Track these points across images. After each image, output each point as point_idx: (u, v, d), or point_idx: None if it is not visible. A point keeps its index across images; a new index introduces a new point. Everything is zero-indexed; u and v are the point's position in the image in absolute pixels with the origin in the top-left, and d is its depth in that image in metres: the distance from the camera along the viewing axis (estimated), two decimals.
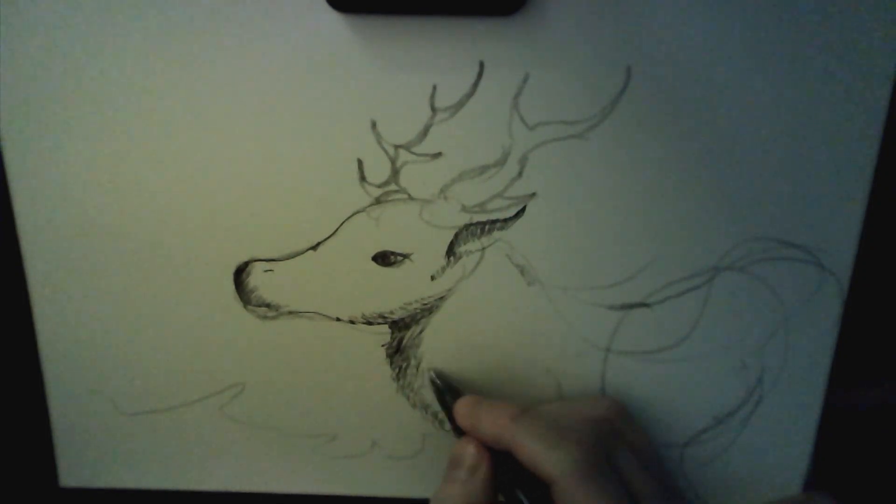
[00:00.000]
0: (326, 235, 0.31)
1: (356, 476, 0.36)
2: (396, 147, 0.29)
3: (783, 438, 0.35)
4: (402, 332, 0.33)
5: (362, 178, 0.30)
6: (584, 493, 0.26)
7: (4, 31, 0.28)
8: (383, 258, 0.31)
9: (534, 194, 0.30)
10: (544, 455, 0.27)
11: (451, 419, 0.31)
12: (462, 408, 0.30)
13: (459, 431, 0.31)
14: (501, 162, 0.30)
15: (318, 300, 0.32)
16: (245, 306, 0.32)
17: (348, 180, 0.30)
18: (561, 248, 0.31)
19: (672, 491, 0.30)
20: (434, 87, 0.29)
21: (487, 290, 0.32)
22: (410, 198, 0.30)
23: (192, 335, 0.33)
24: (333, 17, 0.28)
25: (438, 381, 0.32)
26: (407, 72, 0.28)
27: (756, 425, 0.34)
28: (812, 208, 0.31)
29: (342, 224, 0.31)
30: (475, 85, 0.29)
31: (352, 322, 0.33)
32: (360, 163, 0.30)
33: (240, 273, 0.32)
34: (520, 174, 0.30)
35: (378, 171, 0.30)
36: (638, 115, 0.29)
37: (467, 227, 0.31)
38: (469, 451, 0.29)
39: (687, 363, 0.33)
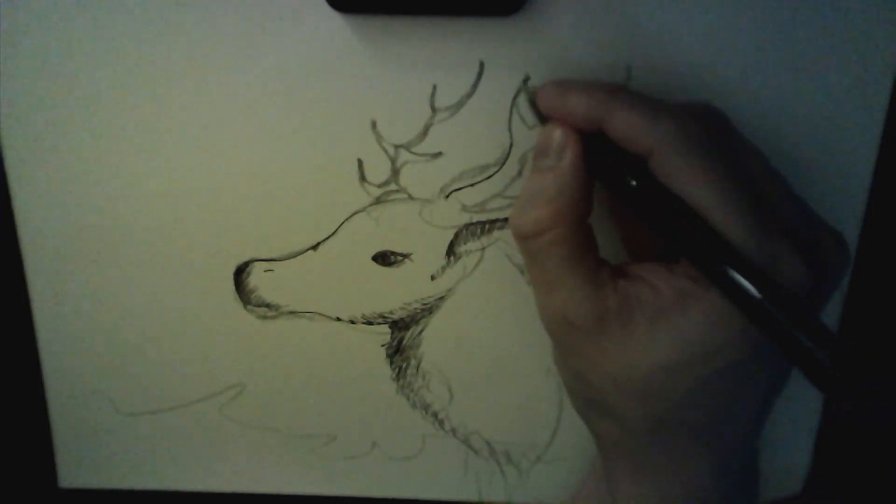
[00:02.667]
0: (326, 235, 0.31)
1: (356, 476, 0.36)
2: (396, 147, 0.29)
3: (783, 438, 0.35)
4: (402, 332, 0.33)
5: (362, 178, 0.30)
6: (689, 162, 0.22)
7: (4, 31, 0.28)
8: (383, 258, 0.31)
9: None
10: (644, 122, 0.23)
11: (538, 113, 0.27)
12: (548, 88, 0.26)
13: (543, 120, 0.27)
14: (501, 162, 0.30)
15: (318, 300, 0.32)
16: (245, 306, 0.32)
17: (348, 180, 0.30)
18: None
19: (792, 189, 0.25)
20: (434, 87, 0.29)
21: (487, 290, 0.32)
22: (410, 198, 0.30)
23: (192, 335, 0.33)
24: (333, 17, 0.28)
25: (530, 94, 0.28)
26: (407, 72, 0.28)
27: None
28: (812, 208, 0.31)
29: (342, 224, 0.31)
30: (475, 85, 0.29)
31: (352, 322, 0.33)
32: (360, 163, 0.30)
33: (240, 273, 0.32)
34: (520, 174, 0.30)
35: (378, 170, 0.30)
36: None
37: (467, 226, 0.31)
38: (555, 134, 0.25)
39: None
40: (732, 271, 0.22)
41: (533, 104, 0.27)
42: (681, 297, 0.23)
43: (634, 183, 0.24)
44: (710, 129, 0.24)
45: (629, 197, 0.24)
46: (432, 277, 0.32)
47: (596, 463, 0.29)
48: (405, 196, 0.30)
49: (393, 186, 0.30)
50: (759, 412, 0.26)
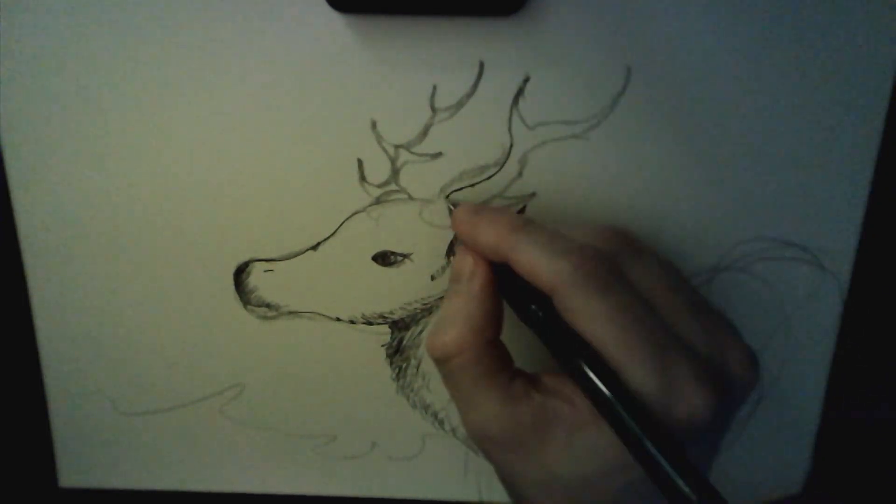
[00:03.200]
0: (326, 235, 0.31)
1: (356, 476, 0.36)
2: (396, 147, 0.29)
3: (783, 438, 0.35)
4: (402, 332, 0.33)
5: (362, 178, 0.30)
6: (586, 304, 0.23)
7: (4, 32, 0.28)
8: (383, 258, 0.31)
9: (533, 194, 0.30)
10: (542, 263, 0.24)
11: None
12: (461, 214, 0.27)
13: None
14: (501, 162, 0.30)
15: (318, 300, 0.32)
16: (245, 306, 0.32)
17: (348, 180, 0.30)
18: None
19: (706, 306, 0.26)
20: (434, 87, 0.29)
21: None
22: (410, 198, 0.30)
23: (192, 335, 0.33)
24: (333, 17, 0.28)
25: (451, 206, 0.30)
26: (407, 72, 0.28)
27: (756, 425, 0.34)
28: (812, 208, 0.31)
29: (342, 224, 0.31)
30: (475, 85, 0.29)
31: (352, 322, 0.33)
32: (360, 163, 0.30)
33: (240, 273, 0.32)
34: (520, 174, 0.30)
35: (378, 171, 0.30)
36: (638, 115, 0.29)
37: None
38: (467, 260, 0.27)
39: None
40: (619, 415, 0.22)
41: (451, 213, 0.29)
42: (595, 414, 0.24)
43: (541, 314, 0.25)
44: (608, 265, 0.24)
45: (535, 326, 0.25)
46: (432, 277, 0.32)
47: None
48: (405, 196, 0.30)
49: (393, 186, 0.30)
50: None
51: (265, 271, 0.32)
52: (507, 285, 0.26)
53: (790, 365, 0.33)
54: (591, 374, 0.23)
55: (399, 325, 0.33)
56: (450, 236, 0.31)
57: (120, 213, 0.31)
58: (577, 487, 0.25)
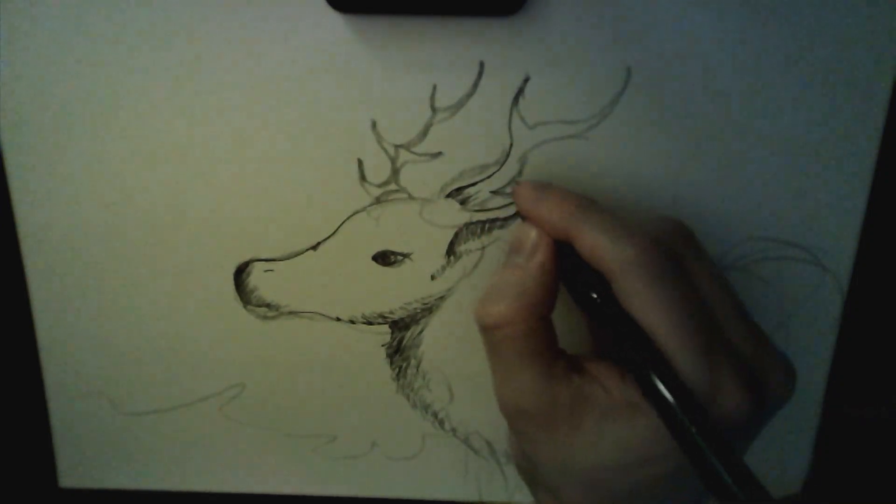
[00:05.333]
0: (326, 235, 0.31)
1: (356, 476, 0.36)
2: (396, 147, 0.29)
3: (783, 438, 0.35)
4: (402, 332, 0.33)
5: (362, 178, 0.30)
6: (646, 291, 0.24)
7: (5, 32, 0.28)
8: (383, 258, 0.31)
9: None
10: (607, 246, 0.24)
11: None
12: (525, 189, 0.27)
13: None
14: (501, 162, 0.30)
15: (318, 300, 0.32)
16: (245, 306, 0.32)
17: (348, 180, 0.30)
18: None
19: (751, 317, 0.26)
20: (434, 87, 0.29)
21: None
22: (410, 197, 0.30)
23: (192, 335, 0.33)
24: (333, 17, 0.28)
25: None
26: (407, 72, 0.28)
27: None
28: (812, 208, 0.31)
29: (342, 224, 0.31)
30: (475, 85, 0.29)
31: (352, 322, 0.33)
32: (360, 163, 0.30)
33: (240, 273, 0.32)
34: (520, 174, 0.30)
35: (378, 170, 0.30)
36: (638, 115, 0.29)
37: (467, 226, 0.31)
38: (530, 235, 0.26)
39: None
40: (671, 405, 0.23)
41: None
42: (629, 407, 0.24)
43: (596, 298, 0.25)
44: (674, 250, 0.25)
45: (590, 308, 0.25)
46: (432, 277, 0.32)
47: None
48: (405, 196, 0.30)
49: (393, 186, 0.30)
50: None
51: (265, 271, 0.32)
52: (563, 265, 0.26)
53: None
54: (646, 364, 0.23)
55: (399, 325, 0.33)
56: (450, 236, 0.31)
57: (120, 213, 0.31)
58: (599, 475, 0.25)
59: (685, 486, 0.25)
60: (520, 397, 0.26)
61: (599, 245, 0.24)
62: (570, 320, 0.29)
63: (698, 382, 0.23)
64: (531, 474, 0.28)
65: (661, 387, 0.23)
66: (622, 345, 0.24)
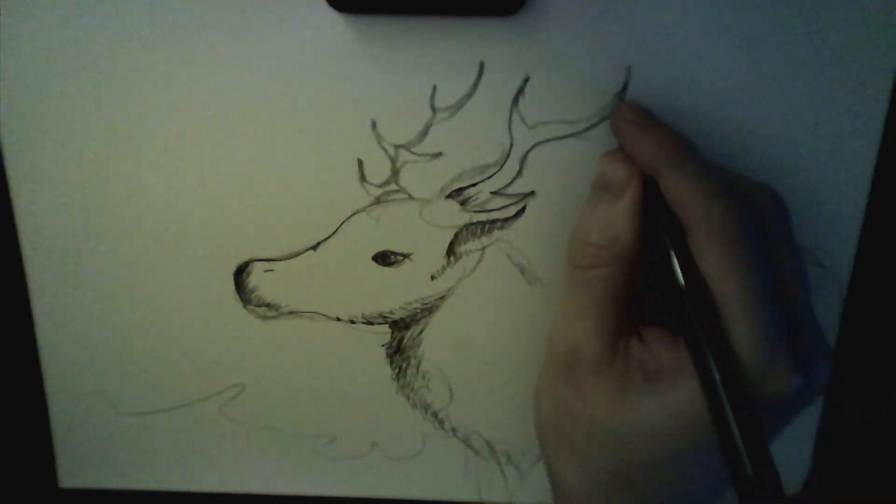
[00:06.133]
0: (326, 235, 0.31)
1: (356, 476, 0.36)
2: (396, 147, 0.29)
3: (783, 438, 0.35)
4: (402, 332, 0.33)
5: (362, 178, 0.30)
6: (724, 252, 0.23)
7: (5, 32, 0.28)
8: (383, 258, 0.31)
9: (533, 193, 0.30)
10: (695, 195, 0.23)
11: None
12: (627, 112, 0.26)
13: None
14: (501, 162, 0.30)
15: (318, 300, 0.32)
16: (245, 306, 0.32)
17: (348, 180, 0.30)
18: (561, 247, 0.31)
19: (811, 299, 0.25)
20: (434, 87, 0.29)
21: (487, 290, 0.32)
22: (410, 197, 0.30)
23: (192, 335, 0.33)
24: (333, 17, 0.28)
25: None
26: (407, 72, 0.28)
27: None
28: (812, 208, 0.31)
29: (342, 224, 0.31)
30: (475, 85, 0.29)
31: (352, 322, 0.33)
32: (360, 163, 0.30)
33: (240, 273, 0.32)
34: (520, 174, 0.30)
35: (378, 170, 0.30)
36: None
37: (467, 226, 0.31)
38: (620, 169, 0.25)
39: None
40: (714, 376, 0.22)
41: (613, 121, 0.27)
42: (676, 370, 0.24)
43: (671, 242, 0.24)
44: (759, 215, 0.24)
45: (661, 258, 0.24)
46: (432, 277, 0.32)
47: None
48: (405, 196, 0.30)
49: (393, 186, 0.30)
50: (716, 496, 0.27)
51: (265, 271, 0.32)
52: (648, 203, 0.25)
53: None
54: (699, 322, 0.22)
55: (399, 325, 0.33)
56: (450, 236, 0.31)
57: (120, 213, 0.31)
58: (630, 435, 0.25)
59: (713, 469, 0.24)
60: (583, 339, 0.25)
61: (688, 193, 0.23)
62: None
63: (755, 355, 0.22)
64: (559, 427, 0.27)
65: (710, 354, 0.22)
66: (682, 302, 0.23)
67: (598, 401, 0.25)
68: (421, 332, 0.33)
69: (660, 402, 0.24)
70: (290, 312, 0.32)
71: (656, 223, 0.25)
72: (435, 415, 0.34)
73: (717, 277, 0.23)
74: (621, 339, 0.25)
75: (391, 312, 0.32)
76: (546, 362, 0.28)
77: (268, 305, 0.32)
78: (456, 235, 0.31)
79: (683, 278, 0.23)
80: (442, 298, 0.32)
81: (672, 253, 0.24)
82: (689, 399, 0.23)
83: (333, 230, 0.31)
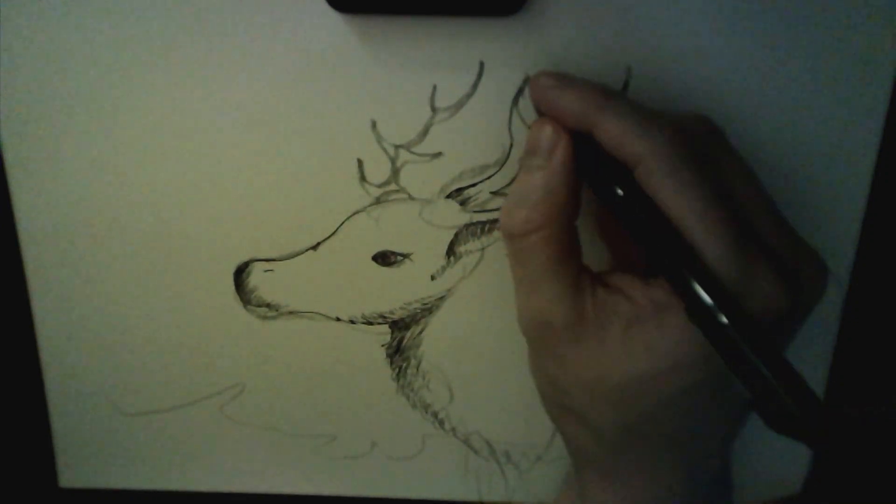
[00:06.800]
0: (326, 235, 0.31)
1: (356, 476, 0.36)
2: (396, 147, 0.29)
3: (783, 438, 0.35)
4: (402, 332, 0.33)
5: (362, 178, 0.30)
6: (676, 177, 0.22)
7: (5, 31, 0.28)
8: (383, 258, 0.31)
9: None
10: (635, 130, 0.23)
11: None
12: (543, 79, 0.25)
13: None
14: (501, 162, 0.30)
15: (318, 300, 0.32)
16: (245, 306, 0.32)
17: (348, 180, 0.30)
18: None
19: (781, 214, 0.25)
20: (434, 87, 0.29)
21: (487, 290, 0.32)
22: (410, 198, 0.30)
23: (192, 335, 0.33)
24: (333, 17, 0.28)
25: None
26: (407, 72, 0.28)
27: (756, 425, 0.34)
28: (812, 208, 0.31)
29: (342, 224, 0.31)
30: (475, 85, 0.29)
31: (352, 322, 0.33)
32: (360, 163, 0.30)
33: (240, 273, 0.32)
34: None
35: (378, 170, 0.30)
36: None
37: (467, 226, 0.31)
38: (546, 131, 0.25)
39: None
40: (701, 293, 0.21)
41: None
42: (656, 309, 0.23)
43: (620, 192, 0.24)
44: (701, 142, 0.24)
45: (613, 204, 0.24)
46: (432, 277, 0.32)
47: (570, 470, 0.29)
48: (405, 196, 0.30)
49: (393, 186, 0.30)
50: (731, 426, 0.26)
51: (265, 271, 0.32)
52: (582, 160, 0.25)
53: None
54: (674, 254, 0.22)
55: (399, 325, 0.33)
56: (450, 236, 0.31)
57: (120, 213, 0.31)
58: (628, 387, 0.24)
59: (722, 400, 0.24)
60: (546, 309, 0.25)
61: (627, 130, 0.23)
62: (586, 240, 0.28)
63: (731, 273, 0.22)
64: (557, 400, 0.27)
65: (692, 279, 0.21)
66: (648, 239, 0.23)
67: (586, 366, 0.24)
68: (421, 332, 0.33)
69: (649, 347, 0.23)
70: (290, 312, 0.32)
71: (601, 177, 0.24)
72: (435, 415, 0.34)
73: (675, 205, 0.22)
74: (585, 294, 0.24)
75: (391, 312, 0.32)
76: (528, 344, 0.27)
77: (268, 305, 0.32)
78: (456, 235, 0.31)
79: (643, 219, 0.23)
80: (442, 298, 0.32)
81: (625, 195, 0.23)
82: (679, 337, 0.23)
83: (333, 230, 0.31)
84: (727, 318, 0.21)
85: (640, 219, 0.23)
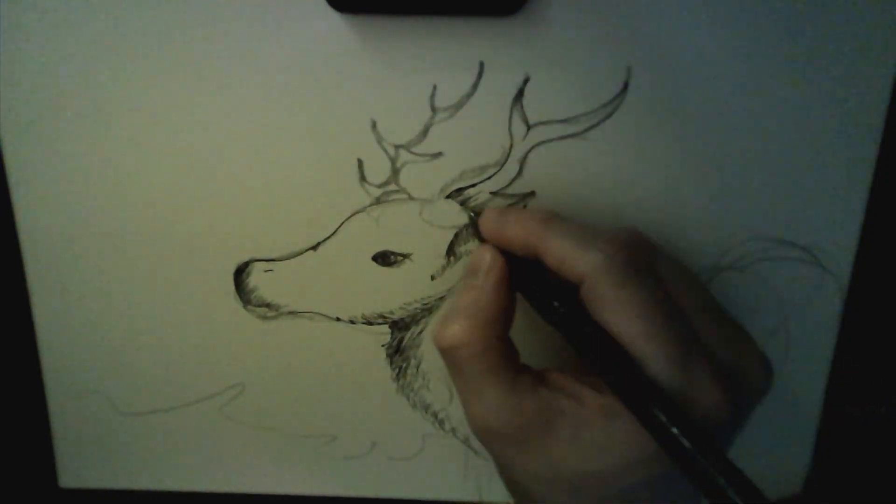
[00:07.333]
0: (326, 235, 0.31)
1: (356, 476, 0.36)
2: (396, 147, 0.29)
3: (783, 438, 0.35)
4: (402, 332, 0.33)
5: (362, 178, 0.30)
6: (616, 293, 0.23)
7: (5, 31, 0.28)
8: (383, 258, 0.31)
9: (533, 193, 0.30)
10: (574, 252, 0.24)
11: (478, 234, 0.29)
12: (488, 214, 0.28)
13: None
14: (501, 162, 0.30)
15: (318, 300, 0.32)
16: (245, 306, 0.32)
17: (348, 180, 0.30)
18: None
19: (722, 311, 0.26)
20: (434, 87, 0.29)
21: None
22: (410, 198, 0.30)
23: (192, 335, 0.33)
24: (333, 17, 0.28)
25: (472, 214, 0.30)
26: (407, 72, 0.28)
27: (756, 425, 0.34)
28: (812, 208, 0.31)
29: (342, 224, 0.31)
30: (475, 85, 0.29)
31: (352, 322, 0.33)
32: (360, 163, 0.30)
33: (240, 273, 0.32)
34: (520, 174, 0.30)
35: (378, 171, 0.30)
36: (638, 114, 0.29)
37: (467, 226, 0.31)
38: (485, 256, 0.27)
39: None
40: (651, 409, 0.22)
41: (475, 225, 0.30)
42: (605, 414, 0.24)
43: (563, 310, 0.25)
44: (638, 258, 0.25)
45: (557, 321, 0.25)
46: (432, 277, 0.32)
47: None
48: (405, 196, 0.30)
49: (393, 186, 0.30)
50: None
51: (265, 271, 0.32)
52: (528, 281, 0.26)
53: (790, 364, 0.33)
54: (618, 368, 0.23)
55: (399, 325, 0.33)
56: (450, 236, 0.31)
57: (120, 213, 0.31)
58: (583, 482, 0.25)
59: (673, 489, 0.25)
60: (487, 416, 0.26)
61: (568, 252, 0.25)
62: (537, 337, 0.29)
63: (674, 385, 0.23)
64: (517, 493, 0.28)
65: (639, 392, 0.22)
66: (594, 354, 0.24)
67: (537, 462, 0.25)
68: (421, 332, 0.33)
69: (600, 449, 0.24)
70: (290, 312, 0.32)
71: (544, 297, 0.26)
72: (435, 415, 0.34)
73: (617, 322, 0.23)
74: (527, 398, 0.25)
75: (391, 313, 0.32)
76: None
77: (268, 305, 0.32)
78: (456, 236, 0.31)
79: (587, 336, 0.24)
80: (442, 298, 0.32)
81: (568, 315, 0.25)
82: (627, 439, 0.23)
83: (333, 230, 0.31)
84: (677, 428, 0.22)
85: (582, 335, 0.24)
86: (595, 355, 0.24)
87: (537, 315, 0.26)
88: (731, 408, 0.23)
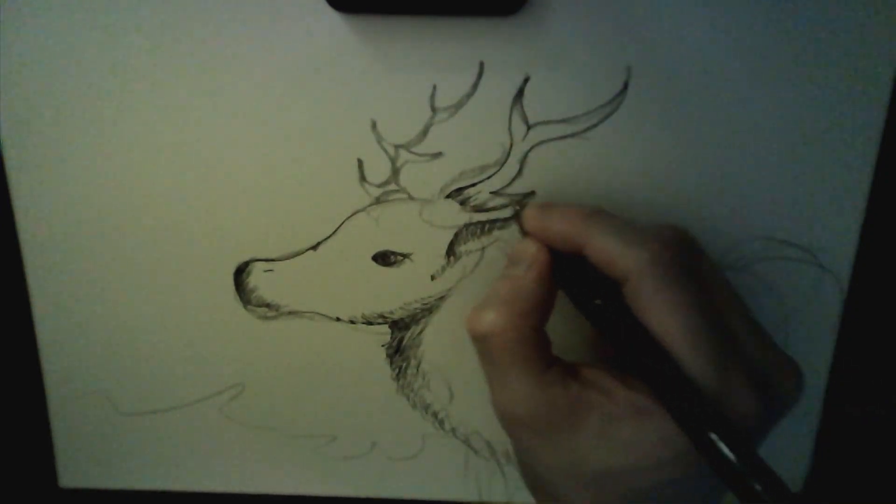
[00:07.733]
0: (326, 235, 0.31)
1: (356, 477, 0.36)
2: (396, 147, 0.29)
3: (783, 438, 0.35)
4: (402, 332, 0.33)
5: (362, 178, 0.30)
6: (661, 293, 0.24)
7: (5, 31, 0.28)
8: (383, 258, 0.31)
9: (533, 193, 0.30)
10: (620, 250, 0.24)
11: (521, 229, 0.29)
12: (532, 209, 0.28)
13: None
14: (501, 162, 0.30)
15: (318, 300, 0.32)
16: (245, 306, 0.32)
17: (348, 180, 0.30)
18: None
19: (758, 321, 0.26)
20: (434, 87, 0.29)
21: (487, 290, 0.32)
22: (410, 197, 0.30)
23: (192, 335, 0.33)
24: (333, 17, 0.28)
25: (517, 208, 0.30)
26: (407, 72, 0.28)
27: None
28: (812, 208, 0.31)
29: (342, 224, 0.31)
30: (475, 85, 0.29)
31: (352, 322, 0.33)
32: (360, 163, 0.30)
33: (240, 273, 0.32)
34: (520, 173, 0.30)
35: (378, 170, 0.30)
36: (638, 114, 0.29)
37: (467, 226, 0.31)
38: (529, 249, 0.27)
39: None
40: (686, 405, 0.22)
41: (518, 219, 0.30)
42: (636, 411, 0.24)
43: (601, 303, 0.25)
44: (683, 258, 0.25)
45: (596, 317, 0.25)
46: (432, 277, 0.32)
47: None
48: (405, 196, 0.30)
49: (393, 186, 0.30)
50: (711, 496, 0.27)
51: (265, 271, 0.32)
52: (569, 276, 0.26)
53: None
54: (657, 366, 0.23)
55: (399, 325, 0.33)
56: (450, 236, 0.31)
57: (120, 213, 0.31)
58: (606, 478, 0.25)
59: (696, 489, 0.25)
60: (515, 405, 0.26)
61: (613, 249, 0.24)
62: (571, 331, 0.29)
63: (710, 385, 0.23)
64: (537, 484, 0.28)
65: (679, 393, 0.23)
66: (634, 351, 0.24)
67: (561, 456, 0.25)
68: (421, 332, 0.33)
69: (628, 446, 0.24)
70: (290, 312, 0.32)
71: (585, 293, 0.26)
72: (435, 415, 0.34)
73: (659, 321, 0.24)
74: (556, 390, 0.25)
75: (391, 312, 0.32)
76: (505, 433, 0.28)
77: (268, 305, 0.32)
78: (456, 235, 0.31)
79: (627, 332, 0.24)
80: (442, 298, 0.32)
81: (608, 311, 0.25)
82: (656, 438, 0.24)
83: (333, 230, 0.31)
84: (713, 430, 0.22)
85: (624, 332, 0.24)
86: (635, 353, 0.24)
87: (575, 309, 0.26)
88: (762, 412, 0.23)
